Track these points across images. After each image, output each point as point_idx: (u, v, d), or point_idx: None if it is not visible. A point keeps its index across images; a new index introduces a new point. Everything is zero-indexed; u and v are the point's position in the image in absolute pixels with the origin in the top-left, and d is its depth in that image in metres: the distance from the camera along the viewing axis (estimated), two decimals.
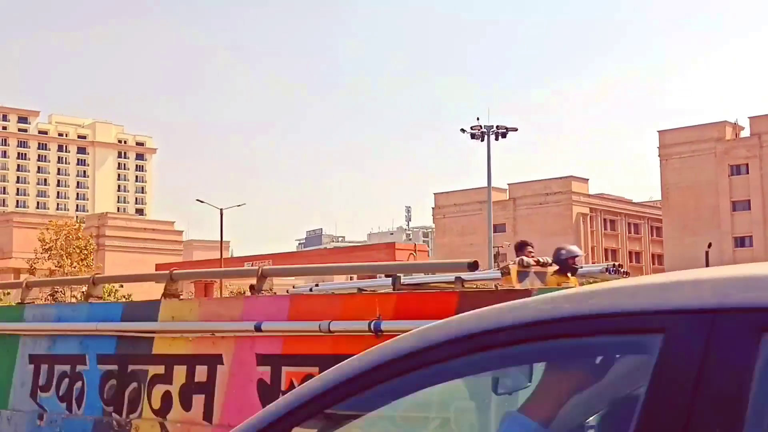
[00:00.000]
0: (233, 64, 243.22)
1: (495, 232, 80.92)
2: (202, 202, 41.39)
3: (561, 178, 73.91)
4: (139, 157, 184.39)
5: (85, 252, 52.94)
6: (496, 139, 36.26)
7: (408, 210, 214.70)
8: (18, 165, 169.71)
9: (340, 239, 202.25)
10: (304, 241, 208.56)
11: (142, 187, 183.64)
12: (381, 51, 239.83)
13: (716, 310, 1.31)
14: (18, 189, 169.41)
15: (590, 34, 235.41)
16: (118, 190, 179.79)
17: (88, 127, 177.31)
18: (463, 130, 36.77)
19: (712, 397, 1.26)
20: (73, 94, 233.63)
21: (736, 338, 1.28)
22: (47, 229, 54.50)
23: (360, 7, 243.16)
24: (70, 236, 52.72)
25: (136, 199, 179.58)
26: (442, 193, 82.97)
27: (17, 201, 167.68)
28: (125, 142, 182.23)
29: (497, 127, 35.87)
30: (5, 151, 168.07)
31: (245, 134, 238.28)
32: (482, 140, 36.38)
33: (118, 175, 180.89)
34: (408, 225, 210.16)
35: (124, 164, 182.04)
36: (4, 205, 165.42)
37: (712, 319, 1.30)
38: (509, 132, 36.25)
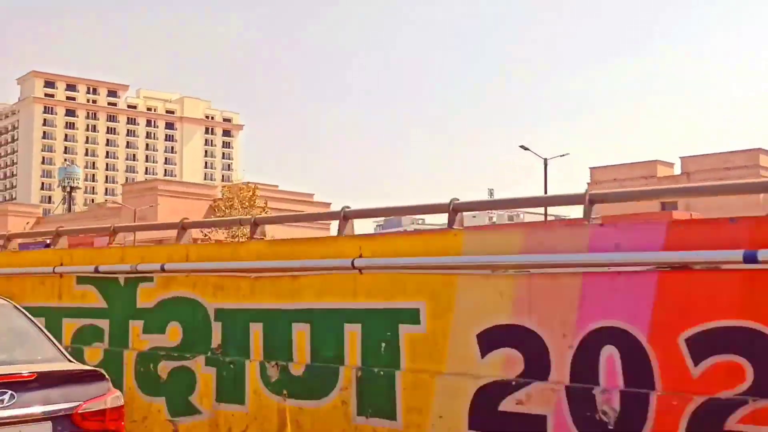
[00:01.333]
0: (320, 36, 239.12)
1: (664, 209, 75.13)
2: (526, 149, 36.63)
3: (745, 150, 67.26)
4: (226, 133, 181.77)
5: None
6: None
7: (491, 193, 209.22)
8: (107, 140, 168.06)
9: (420, 222, 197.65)
10: (382, 223, 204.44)
11: (229, 164, 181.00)
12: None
13: None
14: (107, 164, 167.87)
15: None
16: (206, 167, 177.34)
17: (176, 102, 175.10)
18: None
19: None
20: (160, 67, 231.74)
21: None
22: (223, 196, 50.93)
23: None
24: (245, 204, 48.96)
25: (223, 176, 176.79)
26: (600, 167, 76.83)
27: (106, 176, 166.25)
28: (212, 118, 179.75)
29: None
30: (95, 125, 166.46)
31: (327, 110, 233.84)
32: None
33: (206, 151, 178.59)
34: None
35: (211, 140, 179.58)
36: (93, 180, 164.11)
37: None
38: None
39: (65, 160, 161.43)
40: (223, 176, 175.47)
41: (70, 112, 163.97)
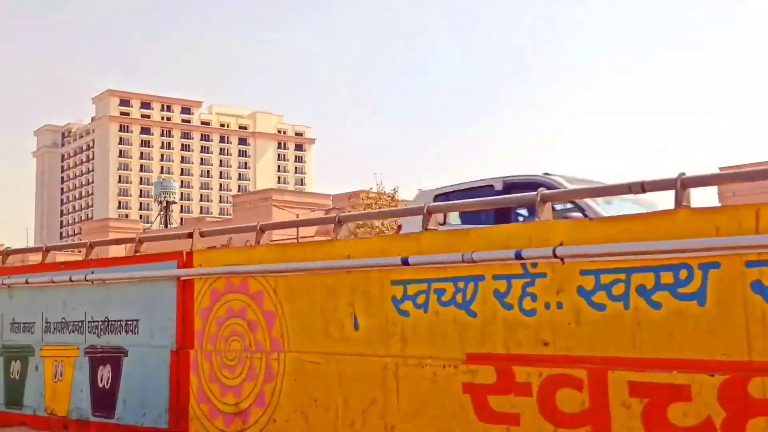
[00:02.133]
0: (400, 50, 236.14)
1: None
2: None
3: None
4: (298, 147, 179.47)
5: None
6: None
7: None
8: (182, 157, 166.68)
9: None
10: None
11: (302, 179, 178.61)
12: None
13: None
14: (183, 181, 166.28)
15: None
16: (278, 182, 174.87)
17: (248, 117, 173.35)
18: None
19: None
20: (232, 82, 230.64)
21: None
22: (363, 200, 47.15)
23: None
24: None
25: (296, 190, 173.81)
26: (728, 167, 71.29)
27: (181, 193, 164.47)
28: (284, 132, 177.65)
29: None
30: (170, 143, 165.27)
31: (404, 121, 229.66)
32: None
33: (278, 166, 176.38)
34: None
35: (284, 155, 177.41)
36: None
37: None
38: None
39: (141, 179, 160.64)
40: (296, 190, 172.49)
41: (145, 130, 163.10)
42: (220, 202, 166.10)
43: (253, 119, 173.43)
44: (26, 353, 7.60)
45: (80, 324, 7.12)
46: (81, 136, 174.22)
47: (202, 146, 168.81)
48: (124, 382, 6.60)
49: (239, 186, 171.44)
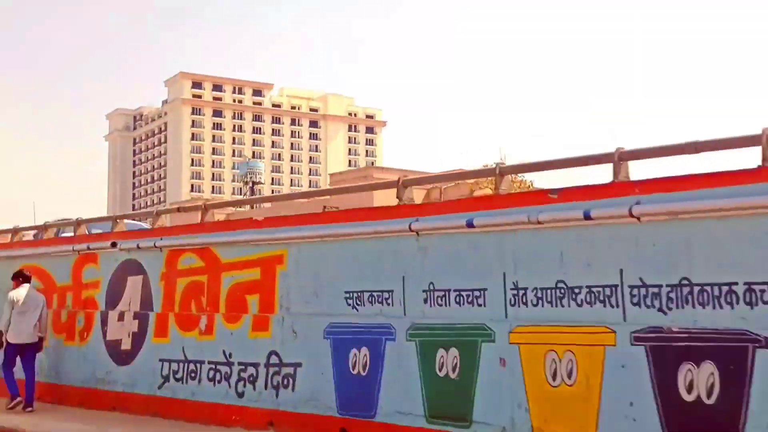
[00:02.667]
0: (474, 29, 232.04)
1: None
2: None
3: None
4: (369, 130, 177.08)
5: None
6: None
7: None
8: (253, 139, 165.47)
9: None
10: None
11: (372, 162, 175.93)
12: None
13: None
14: None
15: None
16: (349, 165, 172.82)
17: (319, 99, 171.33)
18: None
19: None
20: (302, 64, 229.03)
21: None
22: (485, 187, 43.90)
23: None
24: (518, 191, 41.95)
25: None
26: None
27: None
28: (355, 115, 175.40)
29: None
30: (241, 125, 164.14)
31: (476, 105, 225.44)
32: None
33: (349, 149, 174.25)
34: None
35: (354, 138, 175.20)
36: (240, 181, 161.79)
37: None
38: None
39: (213, 162, 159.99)
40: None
41: (217, 113, 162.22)
42: (291, 185, 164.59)
43: (324, 102, 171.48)
44: (473, 338, 4.70)
45: (610, 289, 4.17)
46: (153, 120, 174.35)
47: (273, 129, 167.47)
48: (757, 395, 3.64)
49: (310, 169, 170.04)
